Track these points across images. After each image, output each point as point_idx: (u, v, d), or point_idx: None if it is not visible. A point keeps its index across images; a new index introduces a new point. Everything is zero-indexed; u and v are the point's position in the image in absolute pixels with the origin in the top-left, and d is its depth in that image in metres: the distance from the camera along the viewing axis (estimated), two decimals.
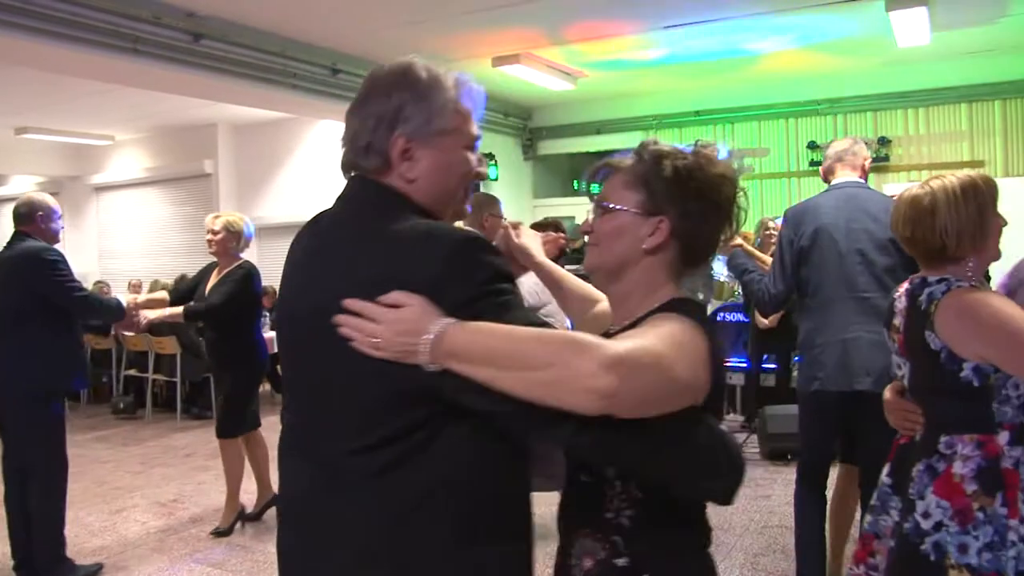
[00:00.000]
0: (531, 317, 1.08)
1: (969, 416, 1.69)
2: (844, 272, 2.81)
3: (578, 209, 7.85)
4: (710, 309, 6.86)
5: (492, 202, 3.94)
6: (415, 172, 1.18)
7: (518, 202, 8.21)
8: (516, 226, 1.57)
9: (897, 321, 1.86)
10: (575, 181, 7.45)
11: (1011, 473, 1.64)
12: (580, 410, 0.97)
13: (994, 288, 1.98)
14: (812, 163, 7.07)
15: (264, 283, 4.30)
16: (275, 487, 2.57)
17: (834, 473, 3.07)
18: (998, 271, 1.95)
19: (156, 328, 5.53)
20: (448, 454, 1.08)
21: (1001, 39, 6.03)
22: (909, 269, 2.77)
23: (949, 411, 1.73)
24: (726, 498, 1.13)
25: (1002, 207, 1.80)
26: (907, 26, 5.34)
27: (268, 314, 5.66)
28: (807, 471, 2.99)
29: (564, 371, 0.96)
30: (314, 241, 1.23)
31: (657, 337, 1.06)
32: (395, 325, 1.02)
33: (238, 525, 4.16)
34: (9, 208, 3.66)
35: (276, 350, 1.35)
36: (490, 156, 7.80)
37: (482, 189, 6.95)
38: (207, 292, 4.01)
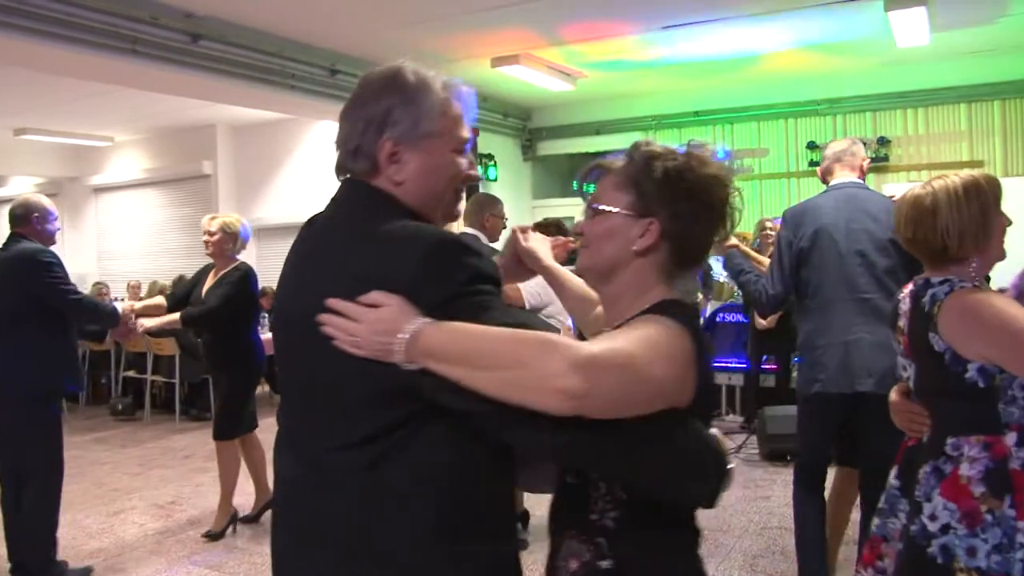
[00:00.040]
0: (510, 318, 1.09)
1: (975, 417, 1.68)
2: (845, 273, 2.80)
3: (577, 210, 7.80)
4: (710, 309, 6.89)
5: (493, 202, 3.93)
6: (403, 175, 1.20)
7: (517, 203, 8.20)
8: (524, 230, 1.57)
9: (902, 323, 1.85)
10: (574, 182, 7.43)
11: (1019, 474, 1.62)
12: (550, 410, 0.98)
13: (1006, 288, 1.96)
14: (811, 163, 7.07)
15: (263, 284, 4.29)
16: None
17: (830, 475, 3.06)
18: (1002, 272, 1.93)
19: None
20: (428, 453, 1.09)
21: (1000, 39, 6.03)
22: (909, 270, 2.77)
23: (955, 413, 1.72)
24: (710, 502, 1.13)
25: (1002, 207, 1.79)
26: (906, 26, 5.34)
27: (267, 315, 5.65)
28: (805, 473, 2.97)
29: (534, 371, 0.98)
30: (307, 245, 1.24)
31: (633, 338, 1.06)
32: (373, 324, 1.05)
33: (232, 528, 4.14)
34: (6, 209, 3.65)
35: (274, 351, 1.36)
36: (489, 157, 7.79)
37: (481, 190, 6.95)
38: (204, 294, 4.00)
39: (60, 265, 3.43)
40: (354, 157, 1.21)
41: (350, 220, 1.20)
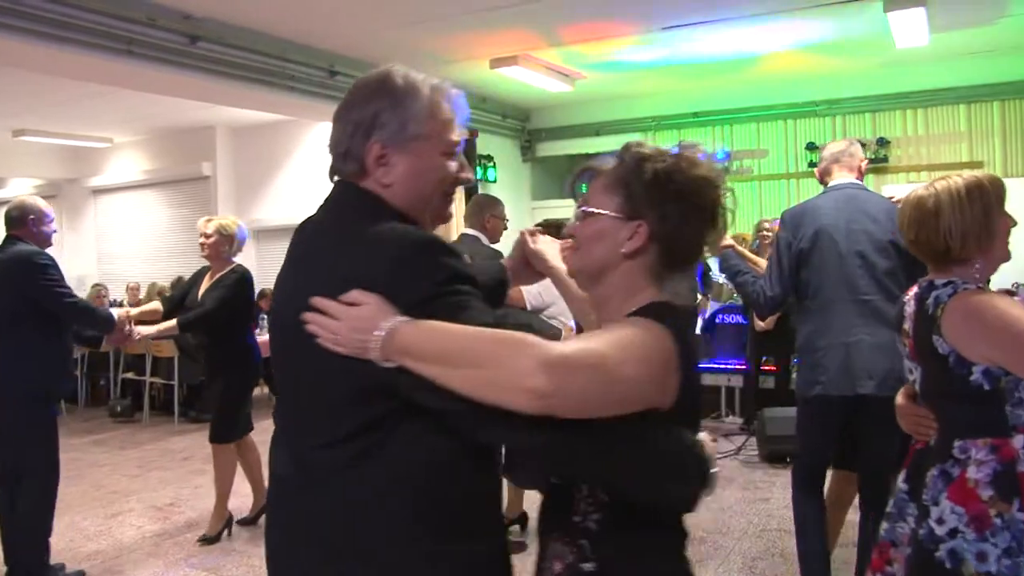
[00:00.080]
0: (489, 317, 1.11)
1: (981, 420, 1.66)
2: (845, 274, 2.78)
3: None
4: (710, 311, 6.88)
5: (494, 204, 3.93)
6: (391, 177, 1.22)
7: (517, 204, 8.18)
8: (533, 232, 1.58)
9: (906, 326, 1.83)
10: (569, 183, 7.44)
11: None
12: (520, 409, 0.99)
13: (1016, 293, 1.94)
14: (811, 164, 7.06)
15: (262, 286, 4.28)
16: None
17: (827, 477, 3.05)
18: (1006, 273, 1.91)
19: None
20: (405, 452, 1.11)
21: (999, 40, 6.02)
22: (909, 271, 2.77)
23: (961, 415, 1.70)
24: (689, 505, 1.13)
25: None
26: (905, 27, 5.33)
27: (266, 317, 5.64)
28: (805, 475, 2.96)
29: (504, 370, 0.99)
30: (299, 249, 1.27)
31: (608, 340, 1.07)
32: (351, 322, 1.08)
33: (228, 532, 4.12)
34: (2, 212, 3.65)
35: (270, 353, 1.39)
36: (488, 158, 7.78)
37: (480, 191, 6.94)
38: (200, 297, 3.98)
39: (55, 267, 3.43)
40: (344, 160, 1.24)
41: (339, 223, 1.22)
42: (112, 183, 10.02)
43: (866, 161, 3.10)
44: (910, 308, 1.83)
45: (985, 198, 1.72)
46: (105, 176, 10.08)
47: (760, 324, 5.93)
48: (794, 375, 3.73)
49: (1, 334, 3.32)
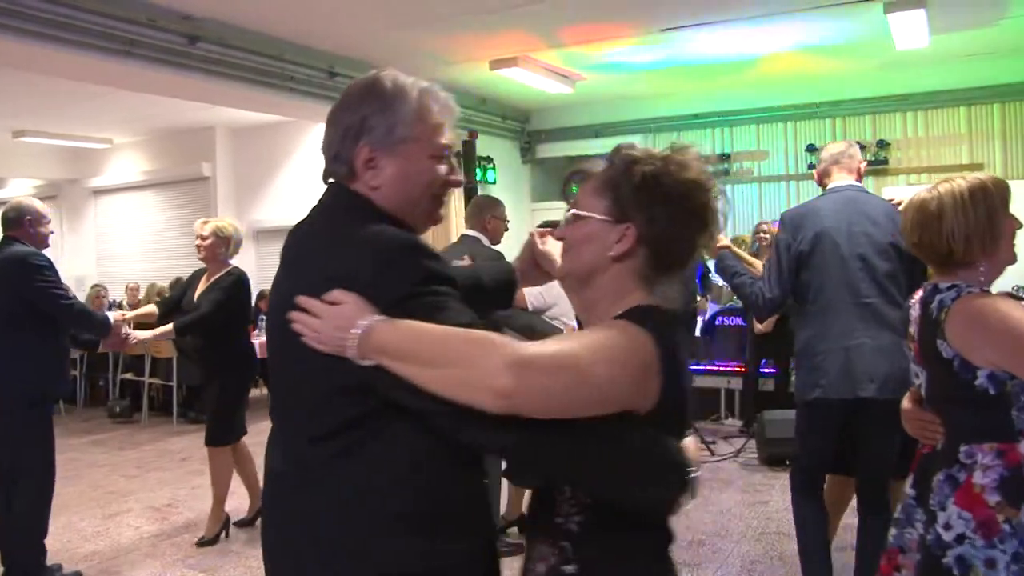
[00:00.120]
0: (466, 318, 1.12)
1: (987, 425, 1.65)
2: (846, 277, 2.76)
3: None
4: (709, 313, 6.87)
5: (494, 204, 3.92)
6: (379, 180, 1.24)
7: (516, 205, 8.18)
8: (543, 233, 1.59)
9: (912, 329, 1.82)
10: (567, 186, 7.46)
11: None
12: (486, 409, 1.00)
13: None
14: (811, 166, 7.04)
15: (262, 287, 4.27)
16: None
17: None
18: (1012, 275, 1.89)
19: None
20: (388, 451, 1.13)
21: (999, 41, 6.02)
22: (909, 274, 2.77)
23: (967, 420, 1.69)
24: (668, 509, 1.13)
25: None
26: (905, 29, 5.32)
27: (265, 318, 5.63)
28: (804, 479, 2.94)
29: (471, 369, 1.01)
30: (292, 251, 1.29)
31: (582, 341, 1.08)
32: (331, 320, 1.10)
33: (225, 534, 4.11)
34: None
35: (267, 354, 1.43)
36: (488, 159, 7.78)
37: (479, 192, 6.93)
38: (196, 300, 3.96)
39: (51, 269, 3.42)
40: (335, 163, 1.27)
41: (327, 224, 1.25)
42: (112, 184, 10.02)
43: (865, 163, 3.09)
44: (915, 312, 1.81)
45: (989, 200, 1.70)
46: (105, 177, 10.08)
47: (759, 327, 5.92)
48: (794, 378, 3.73)
49: None
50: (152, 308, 4.19)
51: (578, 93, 7.12)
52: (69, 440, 6.49)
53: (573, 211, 1.24)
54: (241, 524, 4.21)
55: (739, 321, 6.74)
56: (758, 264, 3.23)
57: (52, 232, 3.65)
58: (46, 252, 3.54)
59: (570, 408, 1.03)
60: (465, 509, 1.21)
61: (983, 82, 6.55)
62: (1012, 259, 1.76)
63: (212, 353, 4.03)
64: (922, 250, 1.78)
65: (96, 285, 8.51)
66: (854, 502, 3.00)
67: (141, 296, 8.30)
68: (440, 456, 1.14)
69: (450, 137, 1.30)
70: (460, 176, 1.35)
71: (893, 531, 1.87)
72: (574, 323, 3.66)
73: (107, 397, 7.96)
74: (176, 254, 9.25)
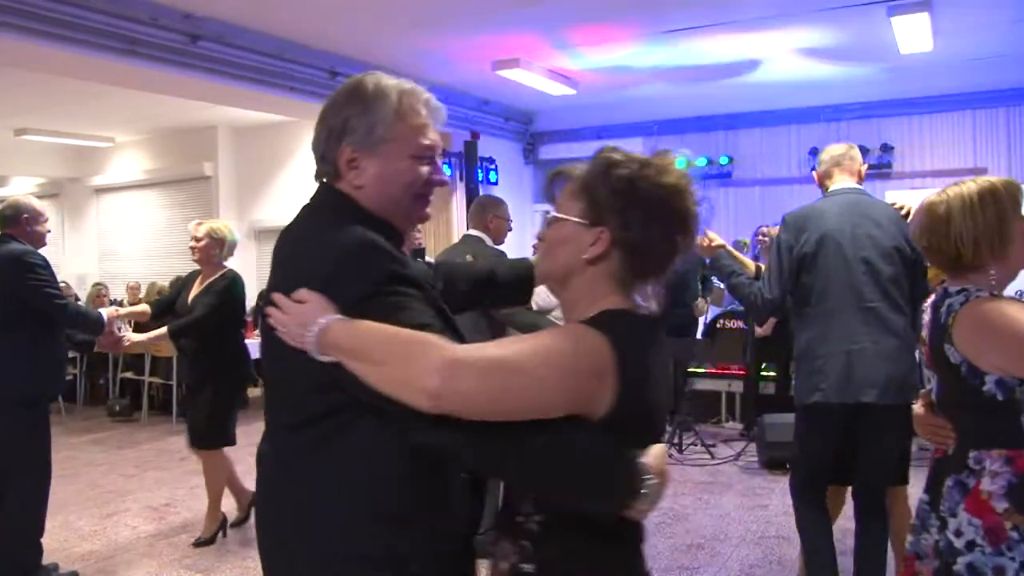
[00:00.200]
0: (426, 319, 1.14)
1: (995, 431, 1.62)
2: (851, 281, 2.73)
3: None
4: (710, 315, 6.85)
5: (497, 204, 3.93)
6: (362, 180, 1.27)
7: (518, 206, 8.16)
8: None
9: (923, 334, 1.80)
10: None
11: None
12: (418, 407, 1.03)
13: None
14: (814, 170, 7.03)
15: (262, 287, 4.23)
16: None
17: None
18: (1015, 280, 1.86)
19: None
20: (356, 446, 1.17)
21: (1004, 46, 5.99)
22: (911, 278, 2.75)
23: (975, 426, 1.67)
24: (613, 513, 1.12)
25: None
26: (910, 33, 5.31)
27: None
28: (804, 483, 2.91)
29: (405, 369, 1.04)
30: (285, 250, 1.30)
31: (521, 345, 1.09)
32: (295, 316, 1.14)
33: (222, 534, 4.09)
34: None
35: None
36: (490, 160, 7.78)
37: (482, 192, 6.93)
38: (190, 302, 3.93)
39: (46, 268, 3.41)
40: (322, 163, 1.31)
41: (311, 224, 1.28)
42: (114, 182, 10.02)
43: (867, 166, 3.07)
44: (927, 316, 1.79)
45: (999, 203, 1.67)
46: (107, 175, 10.08)
47: (760, 330, 5.90)
48: (794, 381, 3.71)
49: None
50: (144, 307, 4.16)
51: (581, 95, 7.11)
52: (68, 439, 6.48)
53: (552, 213, 1.25)
54: (237, 524, 4.20)
55: (740, 324, 6.72)
56: (751, 264, 3.20)
57: (49, 231, 3.65)
58: (44, 251, 3.53)
59: (501, 410, 1.04)
60: (431, 504, 1.21)
61: (987, 86, 6.53)
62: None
63: (206, 356, 3.98)
64: (931, 253, 1.76)
65: (97, 284, 8.52)
66: (848, 508, 2.97)
67: (142, 295, 8.29)
68: (405, 454, 1.15)
69: (434, 138, 1.31)
70: (444, 176, 1.36)
71: (910, 538, 1.85)
72: None
73: (107, 396, 7.95)
74: (177, 253, 9.23)
